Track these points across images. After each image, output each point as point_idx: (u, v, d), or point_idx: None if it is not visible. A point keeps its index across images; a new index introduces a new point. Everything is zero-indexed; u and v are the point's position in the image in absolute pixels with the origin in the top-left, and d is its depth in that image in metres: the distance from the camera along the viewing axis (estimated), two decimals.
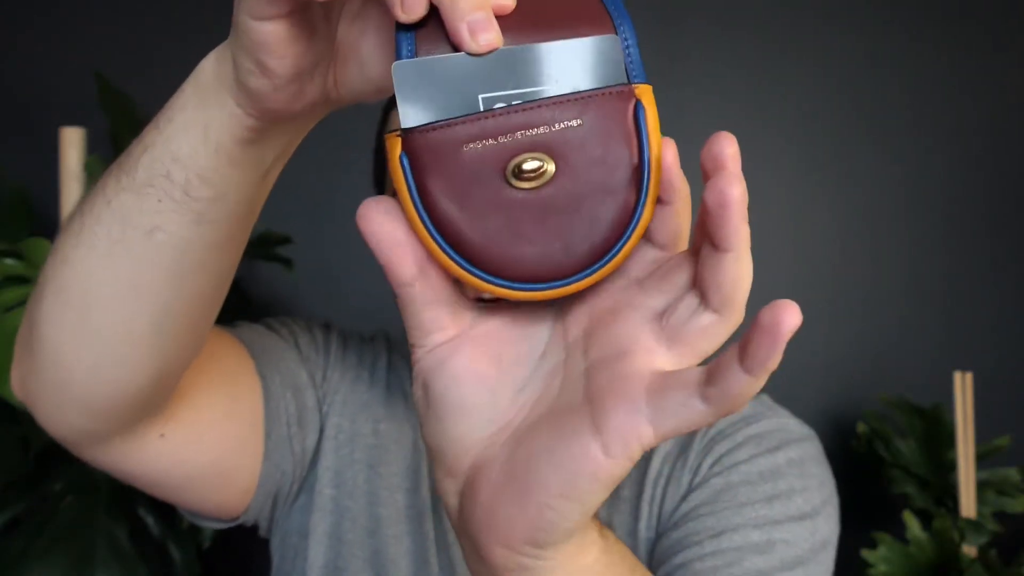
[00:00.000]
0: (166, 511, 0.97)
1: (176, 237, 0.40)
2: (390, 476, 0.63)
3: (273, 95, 0.35)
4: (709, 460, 0.58)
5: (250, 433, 0.57)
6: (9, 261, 0.89)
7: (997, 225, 1.40)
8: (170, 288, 0.41)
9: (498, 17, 0.29)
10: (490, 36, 0.29)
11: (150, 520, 0.96)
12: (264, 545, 0.68)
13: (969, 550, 1.14)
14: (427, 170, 0.29)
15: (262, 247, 1.05)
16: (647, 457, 0.60)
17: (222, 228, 0.40)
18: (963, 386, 1.20)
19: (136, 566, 0.91)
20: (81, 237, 0.41)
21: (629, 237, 0.30)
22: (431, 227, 0.29)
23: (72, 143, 0.98)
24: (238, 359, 0.58)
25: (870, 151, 1.38)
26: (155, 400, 0.48)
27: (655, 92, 0.31)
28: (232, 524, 0.61)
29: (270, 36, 0.32)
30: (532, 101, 0.29)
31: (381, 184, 0.70)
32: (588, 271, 0.30)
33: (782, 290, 1.35)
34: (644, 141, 0.29)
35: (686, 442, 0.61)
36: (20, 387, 0.47)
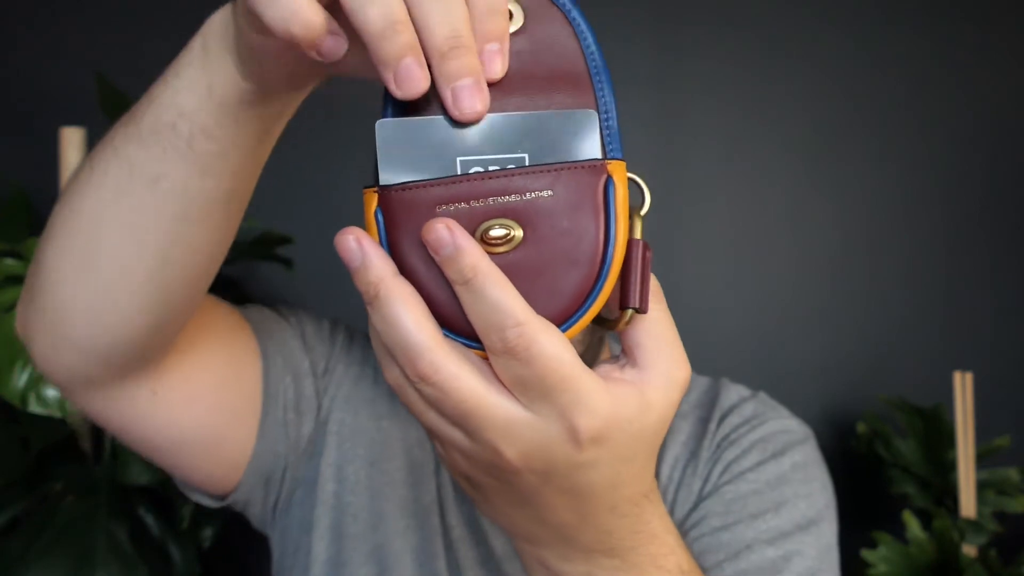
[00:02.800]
0: (166, 511, 0.97)
1: (180, 186, 0.41)
2: (393, 472, 0.63)
3: (271, 80, 0.36)
4: (719, 468, 0.60)
5: (245, 407, 0.58)
6: (9, 261, 0.90)
7: (997, 225, 1.40)
8: (171, 237, 0.43)
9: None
10: (475, 105, 0.29)
11: (150, 520, 0.96)
12: (264, 546, 0.68)
13: (969, 550, 1.14)
14: (399, 228, 0.30)
15: (262, 247, 1.04)
16: (656, 464, 0.61)
17: (224, 182, 0.42)
18: (963, 386, 1.20)
19: (136, 566, 0.91)
20: (90, 184, 0.43)
21: (587, 310, 0.30)
22: None
23: (72, 143, 0.98)
24: (241, 335, 0.59)
25: (870, 151, 1.38)
26: (148, 352, 0.49)
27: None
28: (222, 503, 0.61)
29: (264, 45, 0.33)
30: (507, 169, 0.30)
31: None
32: None
33: (782, 290, 1.34)
34: (611, 217, 0.30)
35: (695, 448, 0.62)
36: (21, 324, 0.49)
